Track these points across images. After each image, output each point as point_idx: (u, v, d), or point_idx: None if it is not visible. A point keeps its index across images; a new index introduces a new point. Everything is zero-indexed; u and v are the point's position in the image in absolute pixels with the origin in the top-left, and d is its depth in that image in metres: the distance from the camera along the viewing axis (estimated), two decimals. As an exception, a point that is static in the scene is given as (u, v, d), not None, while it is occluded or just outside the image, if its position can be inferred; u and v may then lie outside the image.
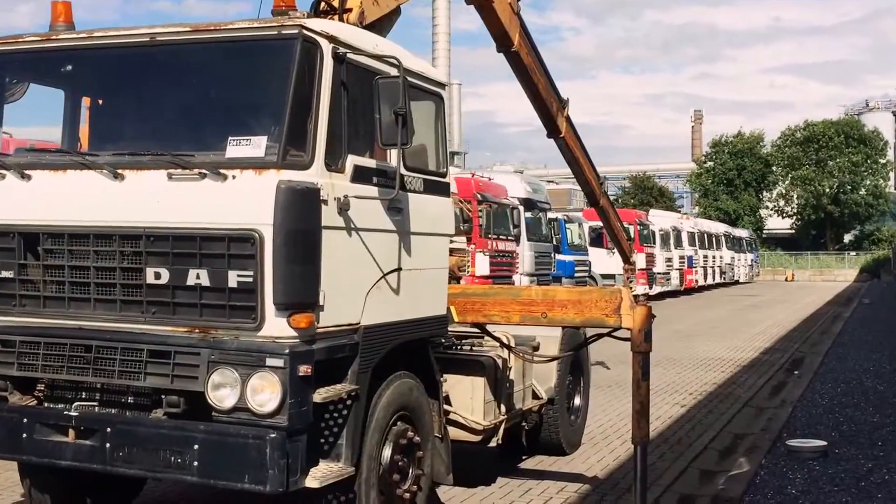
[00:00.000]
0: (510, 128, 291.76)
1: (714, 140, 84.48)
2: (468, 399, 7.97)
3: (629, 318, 7.20)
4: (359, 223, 5.95)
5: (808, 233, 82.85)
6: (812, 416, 11.94)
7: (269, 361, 5.32)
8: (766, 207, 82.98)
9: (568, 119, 12.71)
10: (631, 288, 29.94)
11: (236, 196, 5.44)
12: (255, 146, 5.46)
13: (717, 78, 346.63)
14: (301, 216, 5.40)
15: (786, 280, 66.08)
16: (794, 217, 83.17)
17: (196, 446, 5.37)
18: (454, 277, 8.05)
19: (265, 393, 5.33)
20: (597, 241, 32.26)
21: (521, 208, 25.36)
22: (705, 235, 48.92)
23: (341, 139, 5.87)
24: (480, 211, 21.02)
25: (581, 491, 8.60)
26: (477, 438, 8.02)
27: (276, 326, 5.41)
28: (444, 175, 7.25)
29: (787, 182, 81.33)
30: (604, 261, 31.96)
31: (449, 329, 8.52)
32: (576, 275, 29.80)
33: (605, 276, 32.01)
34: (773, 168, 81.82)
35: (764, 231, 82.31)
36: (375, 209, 6.16)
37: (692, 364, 17.96)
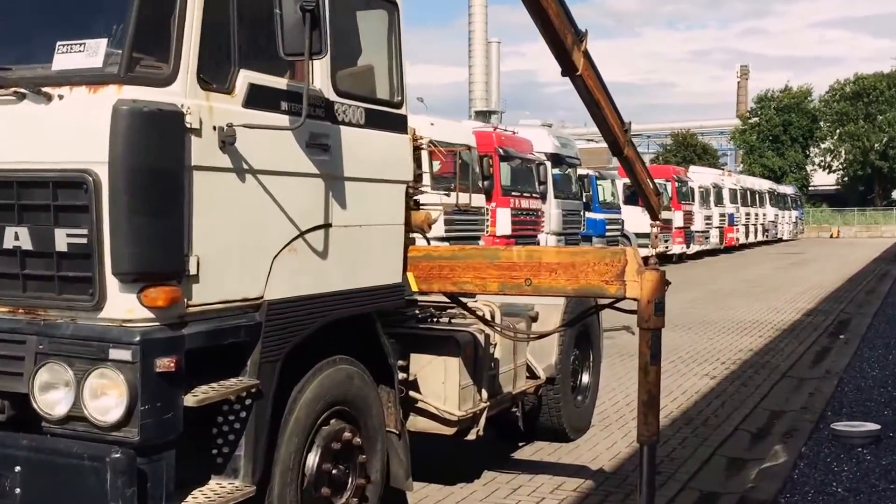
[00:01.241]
0: (552, 87, 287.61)
1: (759, 95, 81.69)
2: (440, 384, 6.52)
3: (635, 286, 5.67)
4: (258, 163, 4.48)
5: (855, 189, 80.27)
6: (861, 390, 10.37)
7: (113, 354, 3.89)
8: (813, 163, 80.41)
9: (586, 54, 11.11)
10: (666, 249, 28.37)
11: (64, 123, 3.98)
12: (91, 53, 3.98)
13: (766, 33, 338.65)
14: (151, 150, 3.91)
15: (831, 237, 63.83)
16: (841, 173, 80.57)
17: (18, 468, 3.97)
18: (422, 236, 6.57)
19: (108, 397, 3.91)
20: (631, 198, 30.37)
21: (548, 164, 23.85)
22: (748, 192, 47.01)
23: (229, 47, 4.39)
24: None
25: (581, 489, 7.17)
26: (450, 431, 6.58)
27: (123, 305, 3.97)
28: (398, 105, 5.75)
29: (835, 137, 78.70)
30: (638, 219, 30.13)
31: (425, 299, 7.14)
32: (607, 234, 28.20)
33: (639, 236, 30.32)
34: (821, 123, 79.10)
35: (809, 187, 79.88)
36: (286, 146, 4.68)
37: (726, 328, 16.36)
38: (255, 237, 4.54)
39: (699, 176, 40.39)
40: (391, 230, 5.69)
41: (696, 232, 36.96)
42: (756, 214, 48.31)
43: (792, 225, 58.74)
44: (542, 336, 7.15)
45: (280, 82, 4.68)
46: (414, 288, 5.91)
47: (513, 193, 21.49)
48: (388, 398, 5.74)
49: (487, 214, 20.37)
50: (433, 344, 6.58)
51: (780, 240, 54.88)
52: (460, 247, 6.05)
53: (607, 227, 28.29)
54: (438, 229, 18.76)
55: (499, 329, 6.69)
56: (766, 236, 50.69)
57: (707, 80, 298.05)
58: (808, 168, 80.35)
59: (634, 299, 5.68)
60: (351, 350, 5.41)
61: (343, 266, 5.19)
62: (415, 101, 35.30)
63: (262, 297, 4.57)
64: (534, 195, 22.46)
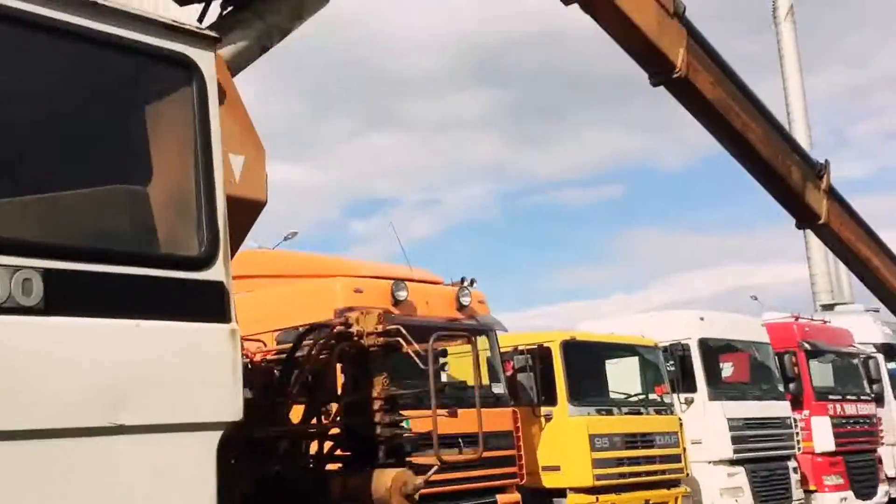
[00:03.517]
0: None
1: None
2: None
3: None
4: None
5: None
6: None
7: None
8: None
9: (831, 193, 7.42)
10: None
11: None
12: None
13: None
14: None
15: None
16: None
17: None
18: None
19: None
20: None
21: (880, 357, 19.47)
22: None
23: None
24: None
25: None
26: None
27: None
28: (201, 264, 2.67)
29: None
30: None
31: None
32: None
33: None
34: None
35: None
36: None
37: None
38: None
39: None
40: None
41: None
42: None
43: None
44: None
45: None
46: None
47: (831, 397, 17.69)
48: None
49: (797, 426, 16.40)
50: None
51: None
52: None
53: None
54: (718, 450, 14.78)
55: None
56: None
57: None
58: None
59: None
60: None
61: None
62: (749, 300, 31.55)
63: None
64: (862, 397, 18.38)
